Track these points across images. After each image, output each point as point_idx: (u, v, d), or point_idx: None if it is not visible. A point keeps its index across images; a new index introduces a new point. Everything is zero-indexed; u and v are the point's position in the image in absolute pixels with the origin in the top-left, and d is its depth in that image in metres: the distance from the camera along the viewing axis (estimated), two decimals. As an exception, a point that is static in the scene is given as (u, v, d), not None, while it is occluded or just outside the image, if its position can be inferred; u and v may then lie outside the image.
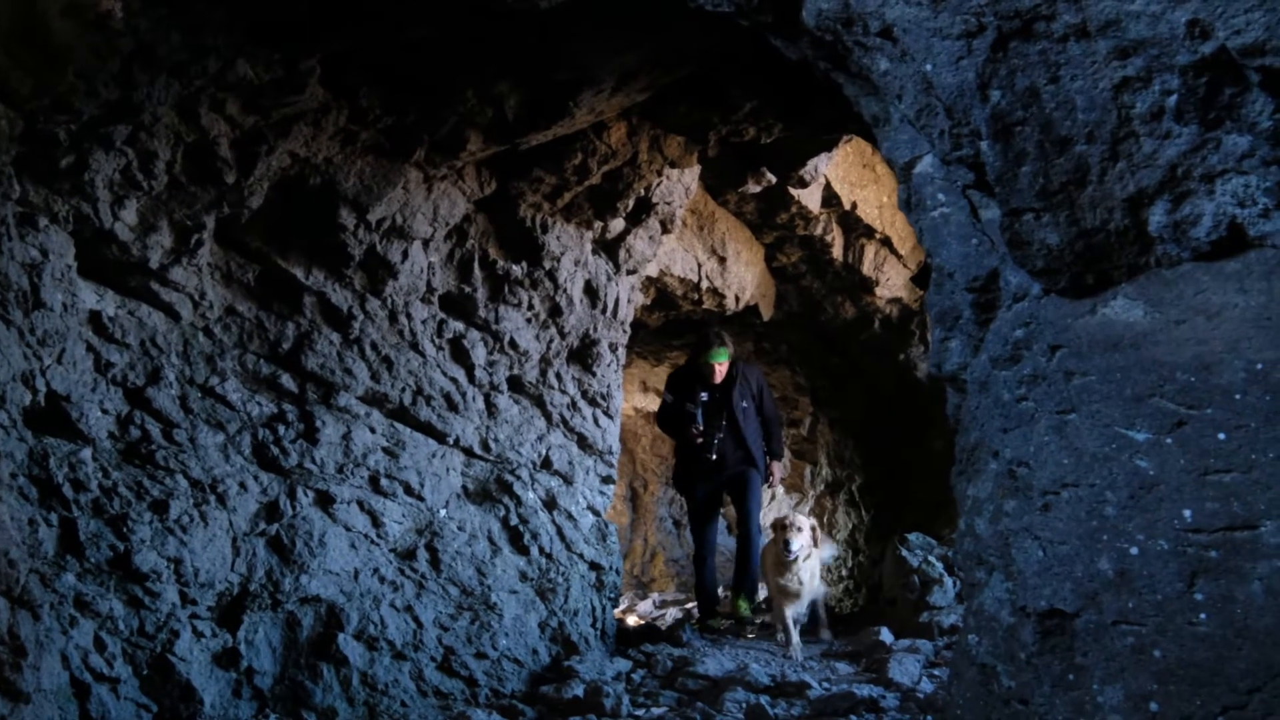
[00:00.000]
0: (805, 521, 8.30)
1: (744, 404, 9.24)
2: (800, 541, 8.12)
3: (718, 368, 9.11)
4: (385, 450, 6.42)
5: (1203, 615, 2.62)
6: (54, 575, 4.80)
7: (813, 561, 8.34)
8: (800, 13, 3.38)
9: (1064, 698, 2.89)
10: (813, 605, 8.75)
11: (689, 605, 13.65)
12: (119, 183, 5.03)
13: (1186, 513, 2.68)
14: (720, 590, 9.84)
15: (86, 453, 5.06)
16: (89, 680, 4.83)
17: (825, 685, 6.68)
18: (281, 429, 5.92)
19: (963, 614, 3.86)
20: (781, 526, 8.26)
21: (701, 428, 9.11)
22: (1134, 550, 2.77)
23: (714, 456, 9.18)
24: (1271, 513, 2.53)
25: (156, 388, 5.39)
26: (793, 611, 8.17)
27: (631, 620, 12.08)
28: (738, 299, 9.91)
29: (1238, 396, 2.63)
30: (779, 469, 9.71)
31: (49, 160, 4.69)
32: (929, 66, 2.90)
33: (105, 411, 5.20)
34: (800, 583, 8.19)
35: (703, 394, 9.17)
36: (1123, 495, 2.82)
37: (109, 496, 5.12)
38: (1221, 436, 2.65)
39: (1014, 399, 3.22)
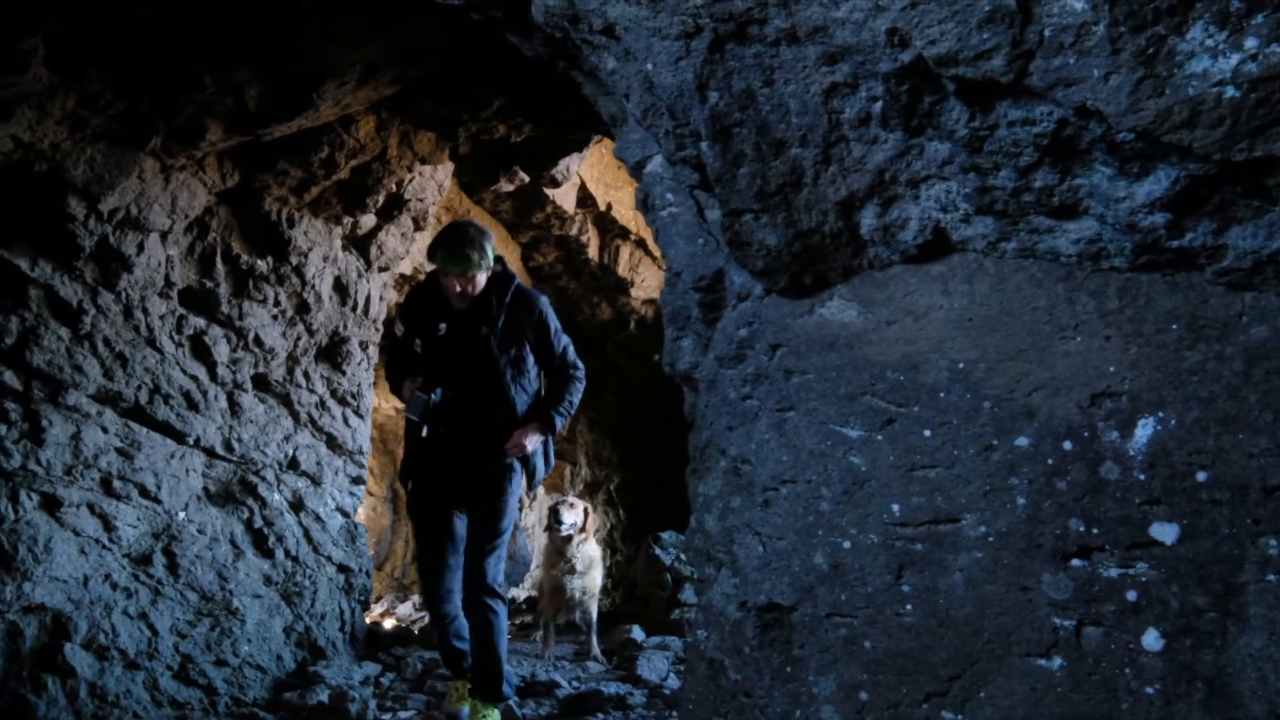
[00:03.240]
0: (579, 503, 8.09)
1: (509, 351, 5.66)
2: (573, 518, 7.82)
3: (456, 283, 5.53)
4: (119, 451, 6.13)
5: (909, 606, 2.70)
6: None
7: (590, 550, 8.07)
8: (530, 8, 3.35)
9: (782, 689, 2.95)
10: (582, 614, 8.13)
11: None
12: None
13: (895, 507, 2.77)
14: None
15: None
16: None
17: (575, 684, 6.70)
18: (3, 429, 5.60)
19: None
20: (552, 508, 7.94)
21: (420, 383, 5.72)
22: (847, 544, 2.84)
23: (440, 430, 5.72)
24: (971, 506, 2.63)
25: None
26: (564, 615, 7.92)
27: (389, 624, 11.88)
28: (494, 298, 9.84)
29: (942, 395, 2.73)
30: (532, 439, 5.73)
31: None
32: (650, 66, 2.91)
33: None
34: (576, 573, 7.82)
35: (440, 326, 5.72)
36: (837, 491, 2.89)
37: None
38: (927, 433, 2.74)
39: (739, 397, 3.27)
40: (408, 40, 5.69)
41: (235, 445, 6.94)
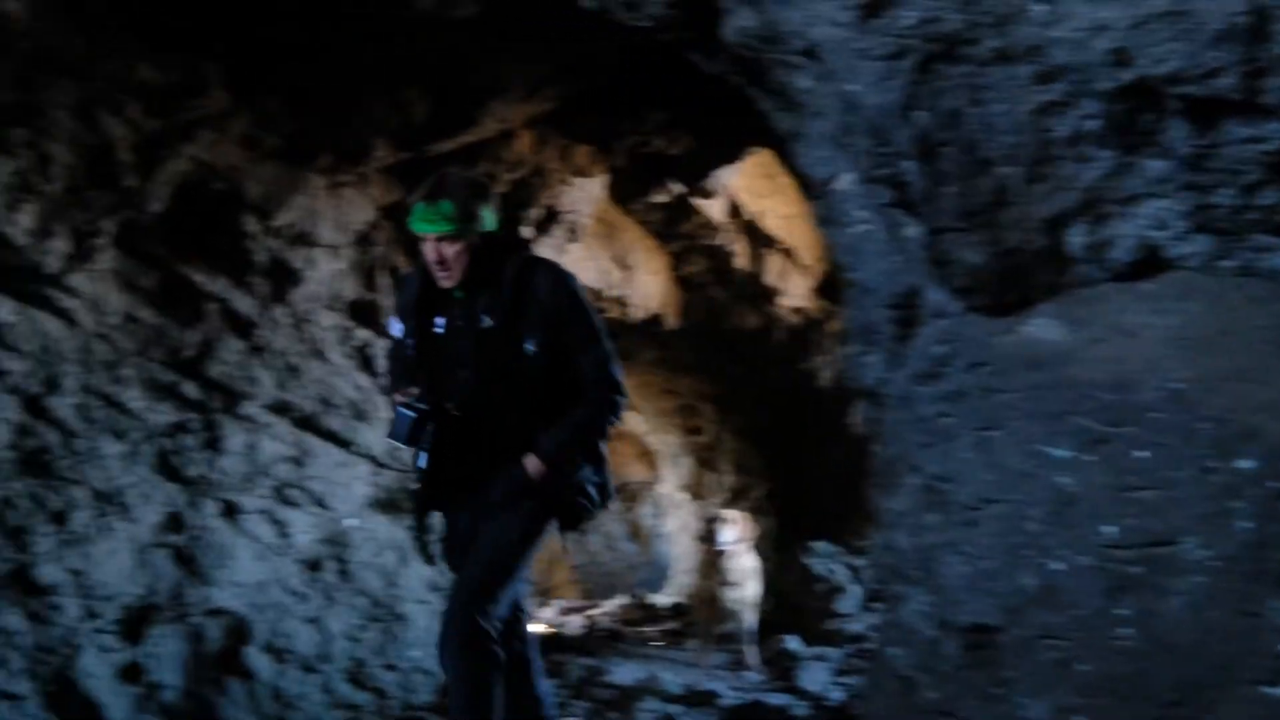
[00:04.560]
0: (736, 516, 7.93)
1: (524, 349, 4.09)
2: (732, 534, 7.63)
3: (432, 250, 4.07)
4: (291, 460, 6.31)
5: (1125, 630, 2.67)
6: None
7: (747, 561, 7.92)
8: (720, 29, 3.39)
9: (989, 710, 2.93)
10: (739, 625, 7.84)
11: (592, 611, 13.63)
12: (14, 186, 4.90)
13: (1108, 529, 2.73)
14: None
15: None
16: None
17: (736, 694, 6.72)
18: (184, 438, 5.80)
19: (879, 625, 3.89)
20: (708, 521, 7.72)
21: (414, 394, 4.13)
22: (1057, 566, 2.81)
23: (441, 459, 4.11)
24: (1190, 529, 2.58)
25: (55, 396, 5.24)
26: (721, 626, 7.74)
27: (533, 627, 12.02)
28: (642, 308, 9.91)
29: (1155, 415, 2.68)
30: (530, 464, 4.08)
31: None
32: (852, 86, 2.92)
33: (2, 420, 5.05)
34: (734, 585, 7.62)
35: (436, 321, 4.22)
36: (1044, 511, 2.86)
37: (7, 508, 4.99)
38: (1140, 454, 2.70)
39: (934, 414, 3.25)
40: (571, 59, 5.77)
41: (397, 454, 7.09)
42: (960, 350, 3.17)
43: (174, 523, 5.69)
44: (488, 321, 4.08)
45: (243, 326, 6.05)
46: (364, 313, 6.75)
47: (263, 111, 5.51)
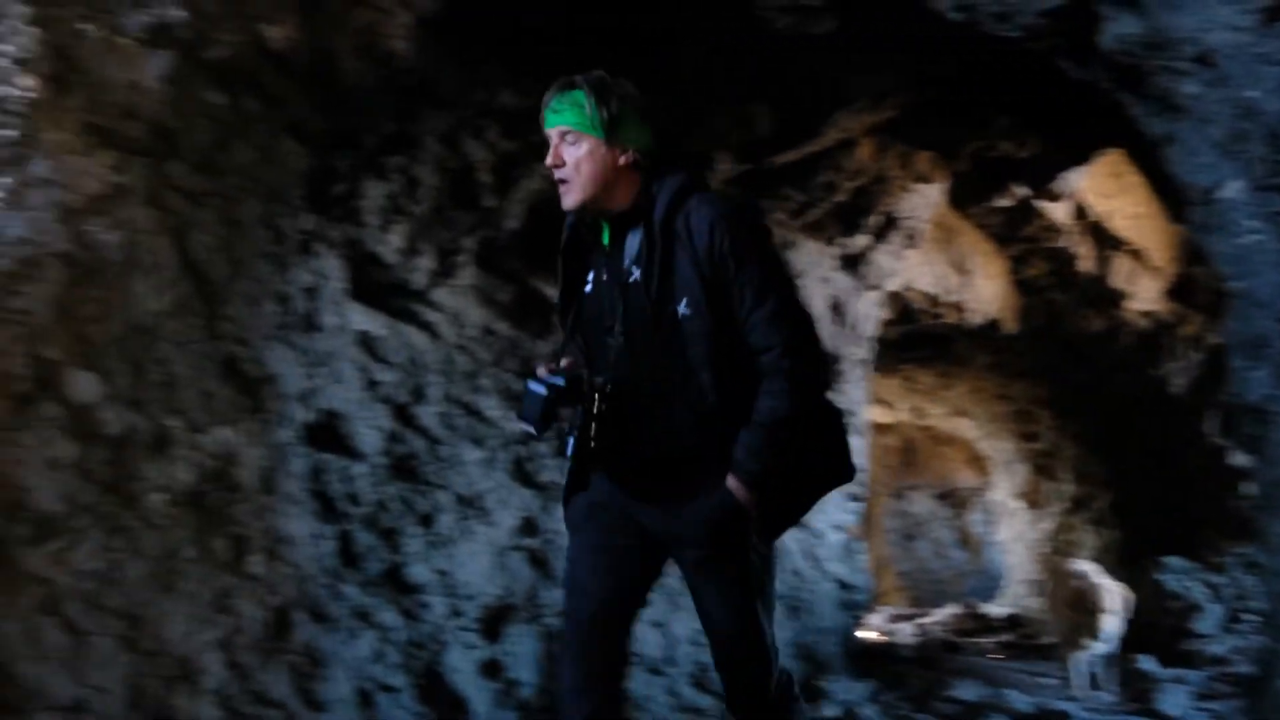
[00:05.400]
0: (1115, 588, 7.39)
1: (678, 304, 2.98)
2: (1114, 623, 7.10)
3: (552, 146, 3.03)
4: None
5: None
6: (337, 587, 5.00)
7: (1111, 591, 7.50)
8: (1097, 37, 3.29)
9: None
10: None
11: (922, 620, 13.42)
12: (387, 208, 5.23)
13: None
14: None
15: (358, 468, 5.25)
16: (371, 689, 5.01)
17: (1090, 715, 6.48)
18: (536, 445, 6.04)
19: (1261, 652, 3.69)
20: (1084, 586, 7.21)
21: (561, 366, 3.15)
22: None
23: (590, 444, 3.06)
24: None
25: (421, 405, 5.56)
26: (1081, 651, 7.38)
27: (866, 634, 11.95)
28: (979, 312, 9.70)
29: None
30: (734, 489, 2.94)
31: (325, 190, 4.90)
32: (1251, 92, 2.79)
33: (375, 428, 5.39)
34: (1097, 613, 7.26)
35: (588, 275, 3.21)
36: None
37: (380, 510, 5.31)
38: None
39: (1334, 435, 3.06)
40: (916, 67, 5.71)
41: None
42: (1367, 367, 2.97)
43: (529, 527, 5.93)
44: (635, 274, 3.04)
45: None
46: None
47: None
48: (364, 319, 5.40)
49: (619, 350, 3.05)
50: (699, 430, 2.97)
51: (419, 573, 5.36)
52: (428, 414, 5.60)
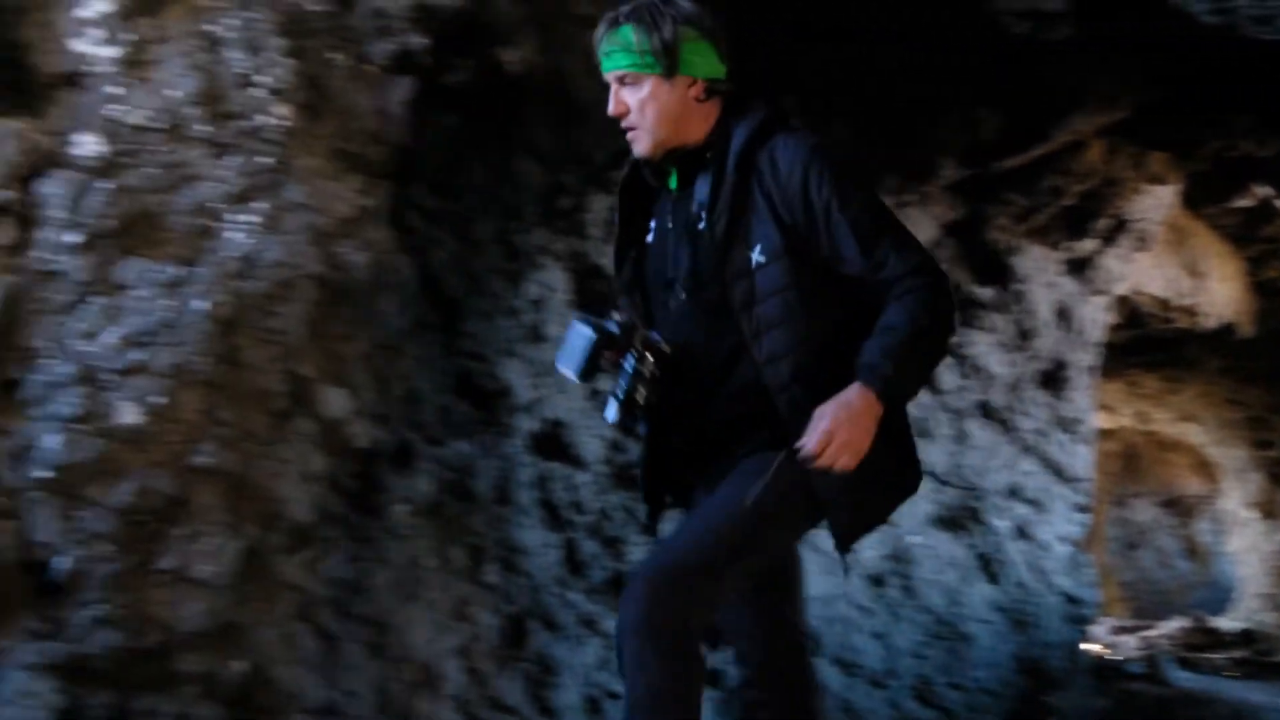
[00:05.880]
0: None
1: (753, 251, 2.56)
2: None
3: (612, 94, 2.64)
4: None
5: None
6: (565, 595, 5.09)
7: None
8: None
9: None
10: None
11: (1147, 633, 12.95)
12: (610, 221, 5.31)
13: None
14: None
15: (581, 476, 5.33)
16: (599, 696, 5.09)
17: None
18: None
19: None
20: None
21: (620, 321, 2.65)
22: None
23: (637, 410, 2.62)
24: None
25: (640, 414, 5.61)
26: None
27: (1089, 647, 11.58)
28: (1213, 316, 9.32)
29: None
30: (831, 424, 2.40)
31: (551, 204, 5.00)
32: None
33: (597, 437, 5.46)
34: None
35: (650, 223, 2.81)
36: None
37: (603, 519, 5.38)
38: None
39: None
40: (1152, 67, 5.53)
41: (961, 471, 7.06)
42: None
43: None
44: (698, 216, 2.63)
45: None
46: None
47: (828, 135, 5.66)
48: (587, 330, 5.49)
49: (680, 308, 2.66)
50: (766, 398, 2.54)
51: (641, 581, 5.41)
52: (648, 423, 5.66)
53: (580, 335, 2.60)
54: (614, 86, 2.61)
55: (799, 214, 2.51)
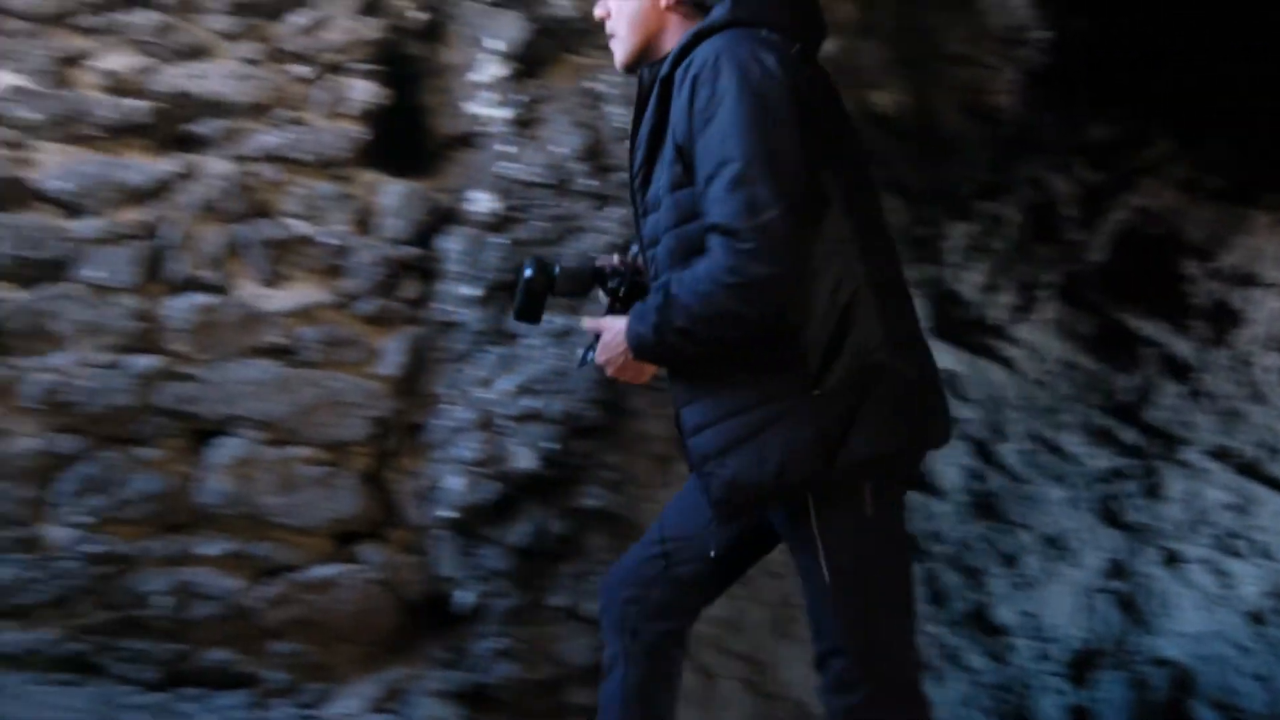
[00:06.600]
0: None
1: (656, 186, 2.26)
2: None
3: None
4: (1234, 508, 6.10)
5: None
6: (926, 627, 5.05)
7: None
8: None
9: None
10: None
11: None
12: (968, 247, 5.23)
13: None
14: None
15: (940, 506, 5.27)
16: (964, 733, 5.03)
17: None
18: (1123, 484, 5.82)
19: None
20: None
21: (617, 265, 2.46)
22: None
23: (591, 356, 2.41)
24: None
25: (1002, 442, 5.50)
26: None
27: None
28: None
29: None
30: (607, 330, 2.30)
31: (908, 232, 4.97)
32: None
33: (956, 465, 5.39)
34: None
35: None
36: None
37: (964, 549, 5.30)
38: None
39: None
40: None
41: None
42: None
43: (1116, 569, 5.73)
44: (634, 147, 2.38)
45: (1180, 370, 5.96)
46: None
47: (1204, 154, 5.41)
48: (944, 356, 5.43)
49: (641, 238, 2.40)
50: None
51: (1003, 614, 5.32)
52: (1009, 451, 5.55)
53: (520, 278, 2.45)
54: None
55: (683, 133, 2.14)
